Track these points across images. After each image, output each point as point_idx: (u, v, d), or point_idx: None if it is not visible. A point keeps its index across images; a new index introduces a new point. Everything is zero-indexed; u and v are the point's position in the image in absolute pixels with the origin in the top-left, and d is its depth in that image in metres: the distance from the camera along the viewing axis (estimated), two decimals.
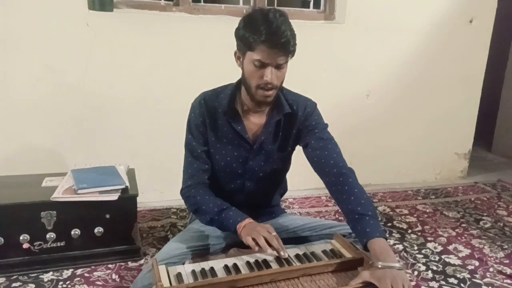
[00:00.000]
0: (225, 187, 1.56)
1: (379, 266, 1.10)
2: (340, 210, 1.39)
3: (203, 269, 1.16)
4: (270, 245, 1.21)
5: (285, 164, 1.59)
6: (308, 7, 2.71)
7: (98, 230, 1.77)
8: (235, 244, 1.40)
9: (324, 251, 1.27)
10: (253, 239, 1.22)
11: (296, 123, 1.48)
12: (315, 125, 1.47)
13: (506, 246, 2.06)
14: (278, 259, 1.20)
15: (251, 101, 1.40)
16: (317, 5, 2.71)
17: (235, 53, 1.39)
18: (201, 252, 1.42)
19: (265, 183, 1.55)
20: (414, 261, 1.91)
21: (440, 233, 2.21)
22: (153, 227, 2.17)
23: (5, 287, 1.62)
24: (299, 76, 2.45)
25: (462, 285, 1.73)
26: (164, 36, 2.32)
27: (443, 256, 1.96)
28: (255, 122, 1.47)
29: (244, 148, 1.48)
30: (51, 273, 1.73)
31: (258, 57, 1.27)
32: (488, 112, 3.58)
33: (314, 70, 2.61)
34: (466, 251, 2.02)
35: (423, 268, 1.85)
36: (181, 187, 1.50)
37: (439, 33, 2.82)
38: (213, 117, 1.47)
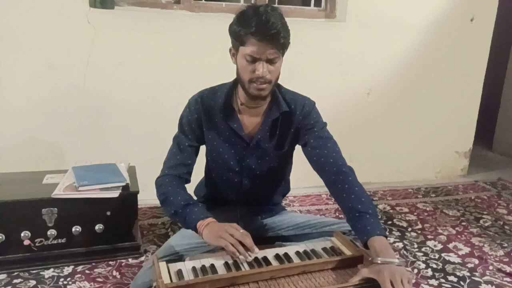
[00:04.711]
0: (223, 184, 1.56)
1: (379, 261, 1.10)
2: (340, 208, 1.39)
3: (203, 265, 1.16)
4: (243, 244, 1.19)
5: (283, 163, 1.57)
6: (309, 5, 2.70)
7: (99, 227, 1.78)
8: None
9: (324, 249, 1.27)
10: (232, 245, 1.19)
11: (293, 122, 1.48)
12: (314, 124, 1.47)
13: (506, 245, 2.07)
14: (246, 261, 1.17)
15: (246, 96, 1.40)
16: (318, 3, 2.70)
17: (230, 50, 1.39)
18: (201, 249, 1.42)
19: (262, 181, 1.55)
20: (414, 259, 1.91)
21: (440, 231, 2.21)
22: (154, 224, 2.18)
23: (6, 284, 1.63)
24: (299, 74, 2.46)
25: (461, 283, 1.73)
26: (165, 34, 2.32)
27: (443, 254, 1.96)
28: (251, 120, 1.47)
29: (241, 145, 1.48)
30: (51, 269, 1.73)
31: (249, 52, 1.27)
32: (488, 110, 3.58)
33: (315, 68, 2.60)
34: (466, 249, 2.02)
35: (423, 266, 1.86)
36: (158, 176, 1.48)
37: (440, 31, 2.82)
38: (209, 114, 1.47)
